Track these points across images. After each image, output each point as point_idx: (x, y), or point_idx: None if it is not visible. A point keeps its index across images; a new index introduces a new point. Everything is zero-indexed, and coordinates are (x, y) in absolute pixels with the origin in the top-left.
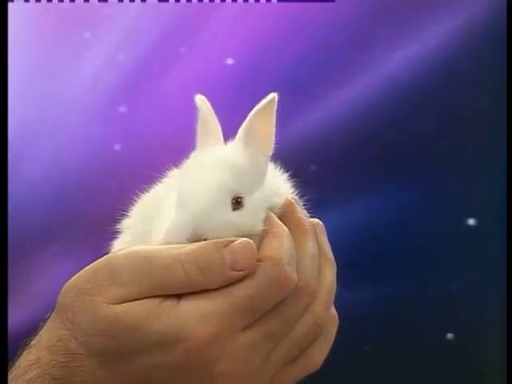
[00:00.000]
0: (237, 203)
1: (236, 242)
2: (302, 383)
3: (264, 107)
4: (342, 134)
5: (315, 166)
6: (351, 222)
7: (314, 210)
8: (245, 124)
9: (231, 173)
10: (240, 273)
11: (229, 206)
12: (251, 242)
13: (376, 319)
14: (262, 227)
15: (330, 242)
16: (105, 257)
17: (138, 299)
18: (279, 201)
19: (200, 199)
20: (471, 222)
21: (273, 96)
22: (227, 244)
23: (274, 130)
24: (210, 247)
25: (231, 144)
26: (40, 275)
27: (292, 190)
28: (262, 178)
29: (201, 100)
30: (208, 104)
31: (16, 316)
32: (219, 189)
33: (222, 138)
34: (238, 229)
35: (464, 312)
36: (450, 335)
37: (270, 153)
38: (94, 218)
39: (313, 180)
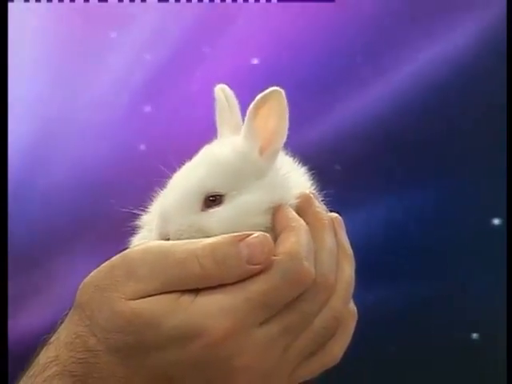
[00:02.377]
0: (212, 201)
1: (252, 236)
2: (320, 378)
3: (261, 101)
4: (367, 134)
5: (339, 166)
6: (375, 222)
7: (337, 210)
8: (246, 118)
9: (212, 170)
10: (256, 267)
11: (197, 205)
12: (267, 235)
13: (401, 319)
14: (246, 227)
15: (354, 241)
16: (122, 253)
17: (156, 294)
18: (288, 197)
19: (169, 199)
20: (496, 221)
21: (272, 90)
22: (243, 238)
23: (280, 124)
24: (226, 241)
25: (235, 138)
26: (66, 274)
27: (310, 184)
28: (258, 175)
29: (219, 90)
30: (228, 93)
31: (42, 316)
32: (189, 188)
33: (240, 127)
34: (202, 231)
35: (489, 312)
36: (475, 335)
37: (275, 148)
38: (119, 217)
39: (337, 180)
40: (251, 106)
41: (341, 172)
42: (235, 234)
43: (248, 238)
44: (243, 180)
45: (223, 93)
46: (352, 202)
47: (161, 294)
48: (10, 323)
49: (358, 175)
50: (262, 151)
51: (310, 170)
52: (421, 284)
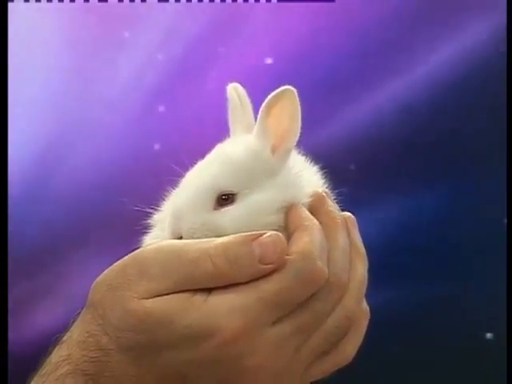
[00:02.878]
0: (224, 200)
1: (265, 236)
2: (331, 378)
3: (273, 100)
4: (382, 134)
5: (354, 166)
6: (389, 222)
7: (351, 209)
8: (258, 117)
9: (225, 169)
10: (269, 266)
11: (209, 204)
12: (280, 235)
13: (413, 319)
14: (258, 226)
15: (366, 241)
16: (134, 252)
17: (168, 293)
18: (301, 196)
19: (181, 198)
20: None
21: (284, 89)
22: (256, 237)
23: (293, 123)
24: (239, 241)
25: (247, 136)
26: (78, 275)
27: (322, 182)
28: (270, 173)
29: (231, 88)
30: (240, 91)
31: (53, 315)
32: (202, 187)
33: (252, 126)
34: (215, 230)
35: (503, 312)
36: (489, 335)
37: (287, 147)
38: (133, 216)
39: (352, 179)
40: (263, 104)
41: (354, 172)
42: (248, 233)
43: (260, 238)
44: (256, 179)
45: (235, 91)
46: (365, 202)
47: (173, 293)
48: (21, 323)
49: (371, 175)
50: (274, 150)
51: (323, 169)
52: (433, 284)
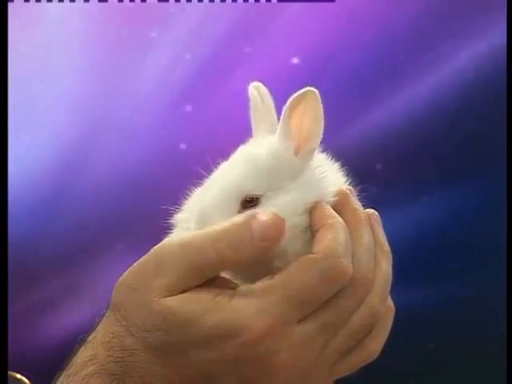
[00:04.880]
0: (249, 202)
1: (263, 217)
2: (358, 374)
3: (296, 101)
4: (408, 133)
5: (381, 166)
6: (416, 221)
7: (379, 209)
8: (281, 118)
9: (250, 171)
10: (268, 244)
11: (235, 207)
12: (277, 214)
13: (441, 318)
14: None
15: (393, 240)
16: (150, 251)
17: (187, 289)
18: (325, 196)
19: (207, 201)
20: None
21: (306, 90)
22: (254, 217)
23: (316, 124)
24: (239, 224)
25: (270, 138)
26: (106, 274)
27: (345, 179)
28: (294, 175)
29: (252, 88)
30: (262, 90)
31: (82, 315)
32: (227, 189)
33: (275, 125)
34: None
35: None
36: None
37: (310, 148)
38: (159, 217)
39: (378, 179)
40: (286, 106)
41: (381, 171)
42: (246, 214)
43: (259, 219)
44: (280, 180)
45: (257, 90)
46: (391, 202)
47: (196, 289)
48: (48, 323)
49: (397, 175)
50: (297, 151)
51: (349, 169)
52: (463, 283)
